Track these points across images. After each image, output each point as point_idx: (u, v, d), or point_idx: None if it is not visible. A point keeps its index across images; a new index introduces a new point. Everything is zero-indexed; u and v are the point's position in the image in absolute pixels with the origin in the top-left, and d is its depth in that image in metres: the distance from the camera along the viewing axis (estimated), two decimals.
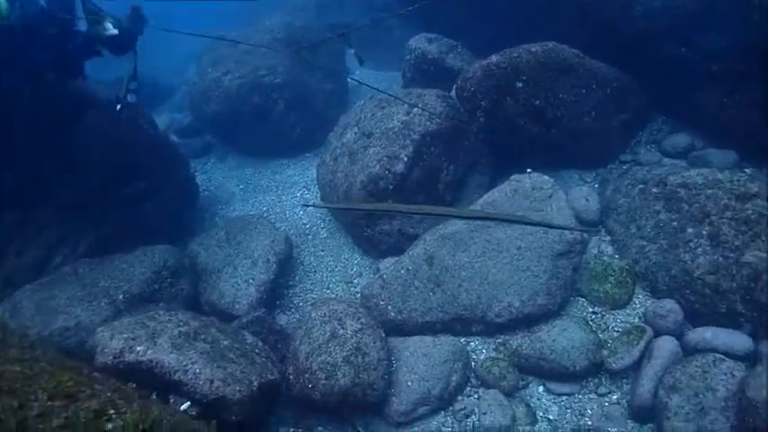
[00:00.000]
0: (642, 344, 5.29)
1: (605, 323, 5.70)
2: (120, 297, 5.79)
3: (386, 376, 5.06)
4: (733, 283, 5.29)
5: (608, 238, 6.37)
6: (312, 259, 7.14)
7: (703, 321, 5.44)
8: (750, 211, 5.37)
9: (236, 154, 9.68)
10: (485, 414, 5.12)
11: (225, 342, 4.86)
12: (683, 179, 5.86)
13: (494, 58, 6.35)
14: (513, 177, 6.11)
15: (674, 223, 5.76)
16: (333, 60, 9.66)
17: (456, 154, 6.67)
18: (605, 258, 6.08)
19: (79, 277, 5.74)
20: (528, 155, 6.87)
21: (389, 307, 5.73)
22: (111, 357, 4.26)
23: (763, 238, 5.25)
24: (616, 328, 5.63)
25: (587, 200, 6.48)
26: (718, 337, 5.19)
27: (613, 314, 5.76)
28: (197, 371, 4.28)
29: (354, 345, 5.00)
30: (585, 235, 5.87)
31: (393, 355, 5.34)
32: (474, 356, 5.65)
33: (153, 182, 6.98)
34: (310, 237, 7.47)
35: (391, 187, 6.27)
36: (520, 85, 6.35)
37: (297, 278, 6.95)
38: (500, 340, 5.69)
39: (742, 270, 5.25)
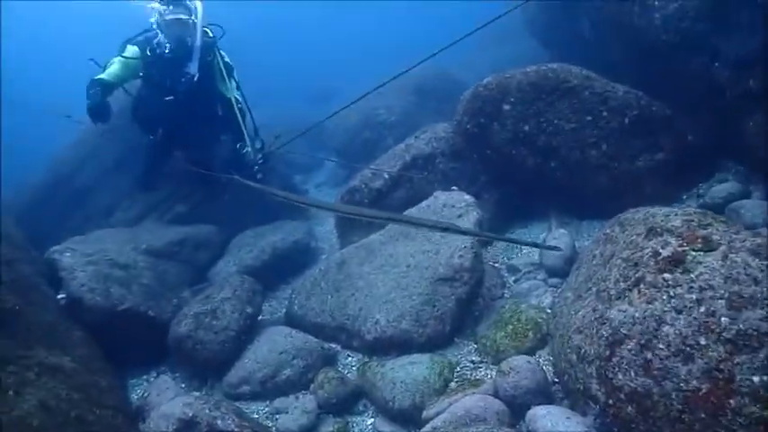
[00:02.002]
0: (459, 396, 4.16)
1: (474, 375, 4.56)
2: None
3: (227, 344, 5.29)
4: (592, 347, 3.73)
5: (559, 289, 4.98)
6: None
7: (567, 397, 3.97)
8: (648, 251, 3.71)
9: None
10: (286, 414, 4.82)
11: None
12: (629, 215, 4.32)
13: (486, 79, 5.89)
14: (435, 193, 5.49)
15: (594, 269, 4.30)
16: None
17: (453, 183, 6.23)
18: (523, 306, 4.81)
19: None
20: (538, 194, 5.92)
21: (296, 299, 5.85)
22: None
23: (643, 287, 3.59)
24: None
25: (557, 242, 5.20)
26: (548, 421, 3.73)
27: (492, 369, 4.55)
28: None
29: (212, 308, 5.44)
30: (480, 266, 4.87)
31: (258, 336, 5.47)
32: (345, 371, 5.24)
33: None
34: None
35: (366, 201, 6.33)
36: (507, 107, 5.68)
37: None
38: (367, 360, 5.14)
39: (602, 330, 3.68)
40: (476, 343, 4.86)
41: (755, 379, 2.91)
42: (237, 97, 6.81)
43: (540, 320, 4.65)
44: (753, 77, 4.38)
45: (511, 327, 4.67)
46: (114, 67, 6.40)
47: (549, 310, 4.80)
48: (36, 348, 4.34)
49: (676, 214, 3.86)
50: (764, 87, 4.30)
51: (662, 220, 3.85)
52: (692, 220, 3.72)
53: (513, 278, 5.53)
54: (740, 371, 2.96)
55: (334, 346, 5.45)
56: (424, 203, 5.59)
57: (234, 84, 6.93)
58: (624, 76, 5.60)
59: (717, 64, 4.67)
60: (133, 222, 7.55)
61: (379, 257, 5.45)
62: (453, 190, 5.60)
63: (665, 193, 5.34)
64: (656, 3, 4.97)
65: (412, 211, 5.59)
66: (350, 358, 5.33)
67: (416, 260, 5.13)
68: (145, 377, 5.58)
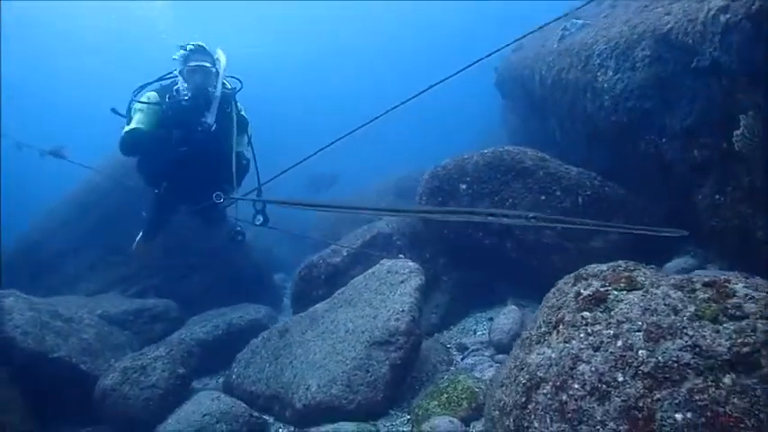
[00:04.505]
0: None
1: None
2: None
3: (152, 402, 4.96)
4: (510, 397, 3.42)
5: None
6: None
7: None
8: (572, 294, 3.52)
9: None
10: None
11: None
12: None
13: (445, 160, 5.98)
14: (382, 261, 5.36)
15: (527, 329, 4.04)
16: None
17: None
18: (462, 377, 4.48)
19: None
20: (497, 275, 5.78)
21: (235, 368, 5.56)
22: None
23: (562, 327, 3.36)
24: None
25: (505, 317, 4.96)
26: None
27: None
28: None
29: (142, 365, 5.17)
30: (417, 331, 4.64)
31: (191, 398, 5.13)
32: None
33: None
34: None
35: (323, 276, 6.20)
36: (464, 186, 5.71)
37: None
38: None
39: (520, 376, 3.40)
40: (408, 414, 4.47)
41: (678, 417, 2.60)
42: (245, 153, 6.55)
43: (476, 390, 4.31)
44: (697, 148, 4.36)
45: (445, 396, 4.32)
46: (140, 116, 6.11)
47: (488, 382, 4.46)
48: None
49: (607, 265, 3.69)
50: (709, 157, 4.27)
51: (590, 269, 3.68)
52: (620, 266, 3.55)
53: (460, 356, 5.22)
54: (661, 408, 2.66)
55: (266, 417, 5.07)
56: (369, 271, 5.46)
57: (246, 139, 6.62)
58: (592, 168, 5.64)
59: (664, 140, 4.68)
60: (96, 293, 7.45)
61: (321, 325, 5.23)
62: (400, 258, 5.47)
63: None
64: (605, 86, 5.12)
65: (358, 279, 5.44)
66: (281, 431, 4.92)
67: (355, 325, 4.90)
68: None
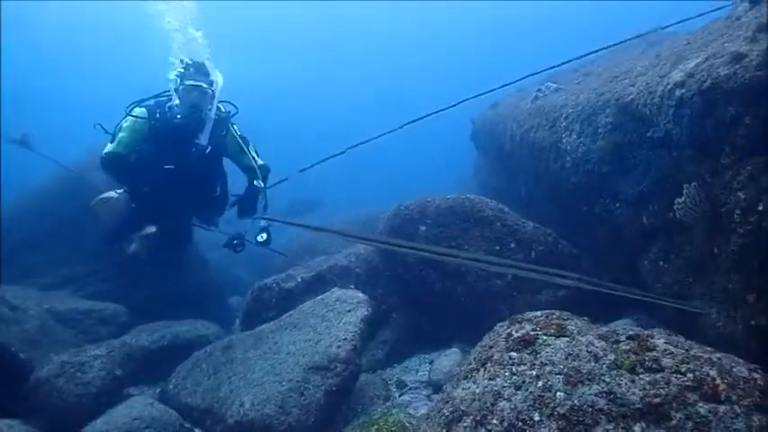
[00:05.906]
0: None
1: None
2: None
3: (84, 399, 4.94)
4: (433, 429, 3.45)
5: None
6: None
7: None
8: (504, 335, 3.63)
9: None
10: None
11: None
12: None
13: (409, 201, 6.11)
14: (332, 289, 5.44)
15: None
16: None
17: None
18: (395, 410, 4.49)
19: None
20: (446, 319, 5.83)
21: (173, 378, 5.51)
22: None
23: (489, 365, 3.43)
24: None
25: (447, 358, 5.01)
26: None
27: None
28: None
29: (81, 361, 5.12)
30: (357, 361, 4.67)
31: (124, 401, 5.07)
32: None
33: None
34: None
35: (274, 300, 6.22)
36: (423, 228, 5.83)
37: None
38: None
39: (444, 409, 3.44)
40: None
41: None
42: (266, 165, 6.33)
43: (407, 425, 4.32)
44: (647, 215, 4.53)
45: (376, 427, 4.32)
46: (123, 136, 5.93)
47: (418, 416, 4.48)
48: None
49: (542, 312, 3.80)
50: (656, 224, 4.43)
51: (526, 315, 3.79)
52: (554, 314, 3.66)
53: (398, 393, 5.24)
54: None
55: (197, 431, 5.01)
56: (318, 298, 5.53)
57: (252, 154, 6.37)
58: (551, 226, 5.80)
59: (617, 205, 4.86)
60: (49, 288, 7.39)
61: (265, 344, 5.24)
62: (350, 288, 5.54)
63: None
64: (568, 147, 5.33)
65: (307, 304, 5.48)
66: None
67: (297, 347, 4.94)
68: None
